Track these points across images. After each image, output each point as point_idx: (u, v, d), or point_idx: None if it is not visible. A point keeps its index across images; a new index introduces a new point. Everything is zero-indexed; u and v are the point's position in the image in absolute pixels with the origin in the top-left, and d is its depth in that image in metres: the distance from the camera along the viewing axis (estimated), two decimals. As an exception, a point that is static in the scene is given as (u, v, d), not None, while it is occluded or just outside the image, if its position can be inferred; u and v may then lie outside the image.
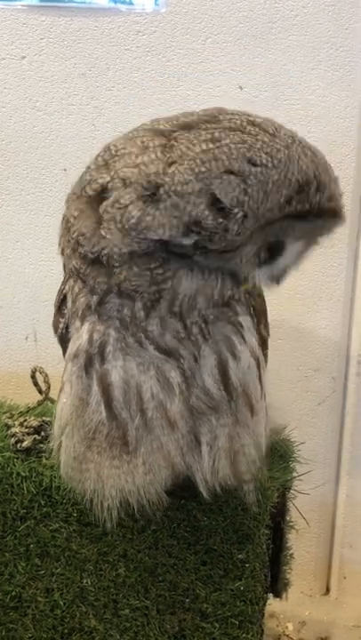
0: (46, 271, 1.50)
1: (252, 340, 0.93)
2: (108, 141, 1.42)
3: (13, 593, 1.07)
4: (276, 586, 1.18)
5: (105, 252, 0.82)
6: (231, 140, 0.79)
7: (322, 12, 1.35)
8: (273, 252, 0.86)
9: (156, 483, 0.93)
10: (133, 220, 0.79)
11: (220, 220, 0.78)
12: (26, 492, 1.04)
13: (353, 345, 1.54)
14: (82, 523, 1.05)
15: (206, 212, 0.78)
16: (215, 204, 0.78)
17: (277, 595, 1.21)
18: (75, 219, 0.85)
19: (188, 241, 0.79)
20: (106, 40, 1.37)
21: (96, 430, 0.91)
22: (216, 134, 0.79)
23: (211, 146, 0.78)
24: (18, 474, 1.05)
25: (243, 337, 0.91)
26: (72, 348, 0.92)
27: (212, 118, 0.81)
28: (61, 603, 1.07)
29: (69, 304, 0.92)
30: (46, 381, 1.17)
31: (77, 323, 0.91)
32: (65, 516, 1.05)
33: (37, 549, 1.06)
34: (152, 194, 0.78)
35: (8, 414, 1.15)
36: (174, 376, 0.89)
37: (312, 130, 1.40)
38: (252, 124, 0.81)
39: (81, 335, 0.90)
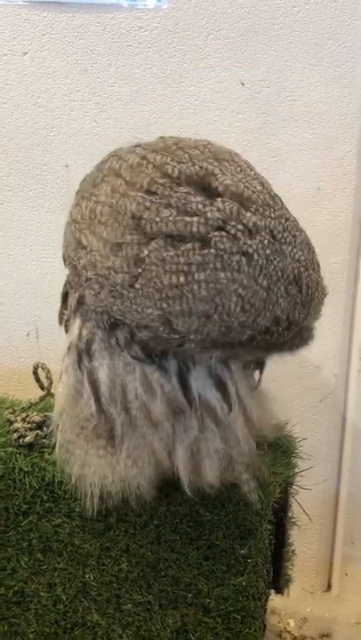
0: (48, 268, 1.50)
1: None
2: (110, 137, 1.43)
3: (16, 588, 1.08)
4: (279, 582, 1.18)
5: (78, 268, 0.83)
6: (205, 278, 0.72)
7: (324, 9, 1.35)
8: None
9: (140, 477, 0.94)
10: (88, 277, 0.80)
11: (175, 335, 0.77)
12: (28, 487, 1.04)
13: (355, 342, 1.54)
14: (84, 518, 1.04)
15: (161, 329, 0.77)
16: (170, 325, 0.76)
17: (279, 591, 1.21)
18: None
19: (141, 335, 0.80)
20: (108, 36, 1.37)
21: (86, 420, 0.94)
22: (193, 267, 0.71)
23: (182, 280, 0.72)
24: (20, 469, 1.04)
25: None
26: (67, 340, 0.94)
27: (203, 239, 0.72)
28: (64, 597, 1.07)
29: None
30: (48, 377, 1.17)
31: (72, 316, 0.93)
32: (67, 512, 1.05)
33: (40, 544, 1.06)
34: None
35: (10, 410, 1.15)
36: (157, 378, 0.89)
37: (314, 126, 1.40)
38: (245, 255, 0.72)
39: (73, 330, 0.92)
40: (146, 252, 0.74)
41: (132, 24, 1.37)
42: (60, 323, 0.99)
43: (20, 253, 1.50)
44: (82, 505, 0.99)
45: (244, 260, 0.73)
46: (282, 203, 0.83)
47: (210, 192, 0.76)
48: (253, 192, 0.78)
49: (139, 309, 0.76)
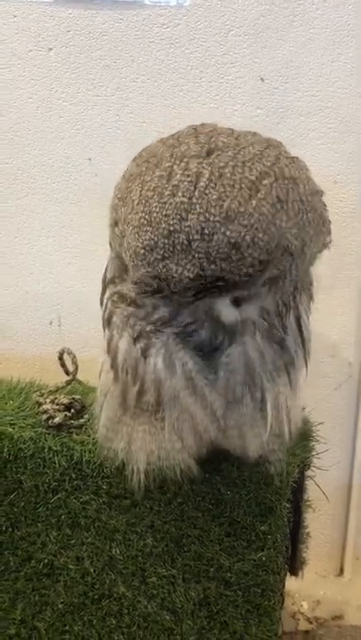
0: (70, 258, 1.53)
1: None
2: (132, 131, 1.45)
3: (46, 561, 1.11)
4: (294, 564, 1.21)
5: None
6: None
7: (342, 6, 1.37)
8: None
9: (184, 451, 0.94)
10: None
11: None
12: (57, 465, 1.07)
13: (368, 332, 1.58)
14: (111, 495, 1.08)
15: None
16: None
17: (294, 573, 1.23)
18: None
19: None
20: (131, 33, 1.40)
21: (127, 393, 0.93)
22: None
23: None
24: (50, 448, 1.08)
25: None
26: None
27: None
28: (92, 570, 1.11)
29: None
30: (74, 362, 1.20)
31: None
32: (95, 489, 1.08)
33: (68, 520, 1.10)
34: None
35: (39, 392, 1.18)
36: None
37: (331, 121, 1.43)
38: None
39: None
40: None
41: (155, 21, 1.40)
42: None
43: (43, 244, 1.54)
44: (129, 483, 0.99)
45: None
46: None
47: None
48: None
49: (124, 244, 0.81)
